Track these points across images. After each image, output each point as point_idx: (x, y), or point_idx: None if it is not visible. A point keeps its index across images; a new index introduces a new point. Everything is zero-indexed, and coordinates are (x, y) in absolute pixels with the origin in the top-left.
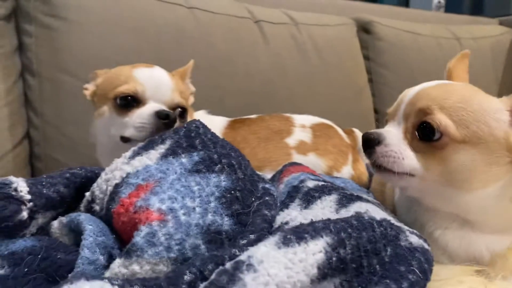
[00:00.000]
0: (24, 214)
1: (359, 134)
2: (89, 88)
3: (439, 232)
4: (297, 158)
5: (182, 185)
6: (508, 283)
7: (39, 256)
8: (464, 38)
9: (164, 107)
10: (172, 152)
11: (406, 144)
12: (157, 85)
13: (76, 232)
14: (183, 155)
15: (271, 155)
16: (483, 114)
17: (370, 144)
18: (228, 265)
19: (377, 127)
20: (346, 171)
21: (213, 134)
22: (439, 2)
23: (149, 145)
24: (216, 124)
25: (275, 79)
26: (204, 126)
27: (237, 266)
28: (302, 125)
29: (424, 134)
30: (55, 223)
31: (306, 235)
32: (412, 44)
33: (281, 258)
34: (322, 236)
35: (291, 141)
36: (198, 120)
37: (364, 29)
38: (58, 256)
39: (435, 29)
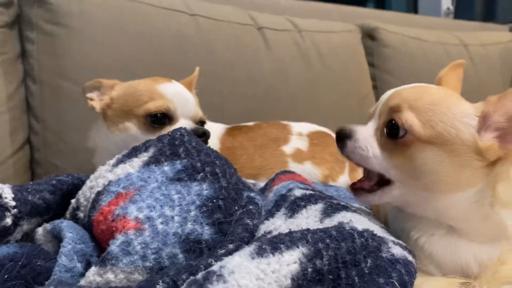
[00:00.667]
0: (8, 221)
1: None
2: (95, 98)
3: (424, 239)
4: (293, 166)
5: (162, 194)
6: None
7: (20, 263)
8: (472, 44)
9: (192, 123)
10: (155, 160)
11: (375, 141)
12: (185, 101)
13: (58, 239)
14: (165, 163)
15: (267, 162)
16: (451, 117)
17: (342, 137)
18: (199, 275)
19: None
20: (342, 180)
21: (198, 142)
22: (448, 8)
23: (132, 153)
24: (214, 131)
25: (277, 85)
26: (190, 134)
27: (208, 277)
28: (299, 133)
29: (391, 131)
30: (40, 230)
31: (281, 246)
32: (418, 51)
33: (253, 269)
34: (298, 247)
35: (288, 149)
36: (184, 128)
37: (369, 35)
38: (38, 263)
39: (442, 35)
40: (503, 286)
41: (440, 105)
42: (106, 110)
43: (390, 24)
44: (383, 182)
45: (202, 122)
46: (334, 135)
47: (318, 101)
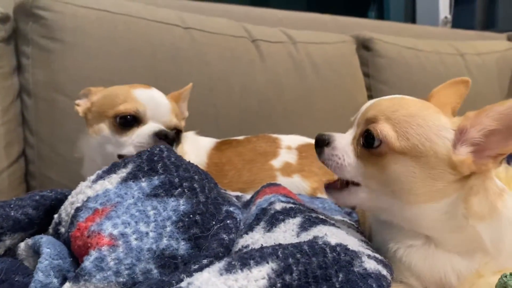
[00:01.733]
0: None
1: None
2: (81, 104)
3: (402, 251)
4: (281, 180)
5: (138, 210)
6: None
7: None
8: (468, 53)
9: (163, 128)
10: (133, 176)
11: (352, 150)
12: (157, 106)
13: (39, 254)
14: (143, 179)
15: (255, 177)
16: (426, 130)
17: (321, 144)
18: None
19: None
20: None
21: (177, 157)
22: (446, 17)
23: (112, 169)
24: (203, 145)
25: (272, 97)
26: (169, 150)
27: None
28: (288, 146)
29: (367, 141)
30: (22, 245)
31: (251, 261)
32: (414, 60)
33: (220, 285)
34: (268, 262)
35: (276, 163)
36: (163, 145)
37: (364, 46)
38: (16, 279)
39: (439, 45)
40: None
41: (417, 117)
42: (87, 114)
43: (387, 34)
44: (353, 182)
45: (177, 130)
46: None
47: (313, 112)
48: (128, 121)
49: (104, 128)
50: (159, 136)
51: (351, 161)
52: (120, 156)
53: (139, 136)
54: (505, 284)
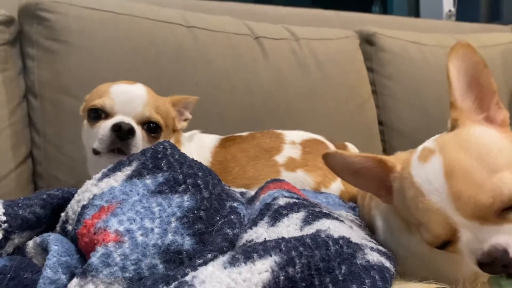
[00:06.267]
0: None
1: (352, 149)
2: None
3: (405, 236)
4: (285, 175)
5: (143, 207)
6: None
7: (8, 275)
8: None
9: (131, 121)
10: (137, 174)
11: None
12: (128, 100)
13: (47, 252)
14: (147, 176)
15: (259, 173)
16: None
17: None
18: (172, 285)
19: (382, 139)
20: (335, 187)
21: (181, 154)
22: (450, 11)
23: (117, 167)
24: (207, 142)
25: (275, 94)
26: (172, 147)
27: (179, 287)
28: (292, 141)
29: None
30: (30, 243)
31: (254, 255)
32: (418, 55)
33: (224, 278)
34: (271, 255)
35: (280, 158)
36: (167, 141)
37: (367, 41)
38: (25, 276)
39: (442, 38)
40: None
41: None
42: (84, 111)
43: (391, 28)
44: None
45: (151, 123)
46: (328, 143)
47: (317, 109)
48: (98, 115)
49: (85, 123)
50: (113, 128)
51: None
52: (93, 150)
53: (102, 129)
54: (498, 280)
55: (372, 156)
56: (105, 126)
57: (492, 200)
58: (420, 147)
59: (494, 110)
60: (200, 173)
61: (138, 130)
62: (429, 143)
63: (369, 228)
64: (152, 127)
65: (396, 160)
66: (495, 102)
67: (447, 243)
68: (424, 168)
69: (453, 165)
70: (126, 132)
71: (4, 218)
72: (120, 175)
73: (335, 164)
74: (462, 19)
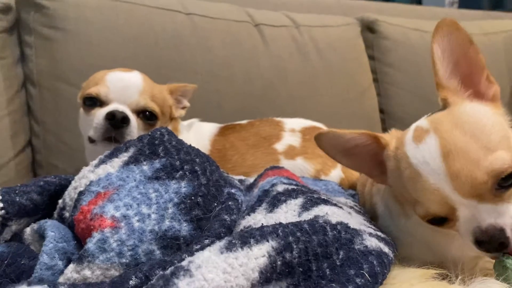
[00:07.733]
0: None
1: None
2: None
3: (404, 221)
4: (285, 163)
5: (140, 192)
6: None
7: (5, 262)
8: (474, 34)
9: (126, 109)
10: (134, 160)
11: None
12: (123, 88)
13: (44, 238)
14: (144, 163)
15: (259, 161)
16: None
17: None
18: (168, 270)
19: (383, 127)
20: (335, 174)
21: (178, 140)
22: None
23: (113, 153)
24: (206, 131)
25: (275, 82)
26: (170, 133)
27: (175, 272)
28: (292, 129)
29: None
30: (27, 230)
31: (251, 240)
32: (419, 42)
33: (220, 263)
34: (268, 240)
35: (280, 146)
36: (165, 128)
37: (368, 28)
38: (22, 262)
39: None
40: (479, 278)
41: None
42: (80, 99)
43: (392, 16)
44: None
45: (146, 111)
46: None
47: (317, 97)
48: (94, 103)
49: (81, 110)
50: (107, 116)
51: None
52: (89, 138)
53: (96, 117)
54: (504, 263)
55: (366, 132)
56: (99, 114)
57: (486, 177)
58: (412, 126)
59: (485, 85)
60: (197, 159)
61: (133, 119)
62: (421, 122)
63: (371, 215)
64: (147, 115)
65: (390, 138)
66: (485, 77)
67: (444, 220)
68: (420, 149)
69: (450, 145)
70: (120, 121)
71: (1, 205)
72: (117, 161)
73: (328, 144)
74: (464, 6)
